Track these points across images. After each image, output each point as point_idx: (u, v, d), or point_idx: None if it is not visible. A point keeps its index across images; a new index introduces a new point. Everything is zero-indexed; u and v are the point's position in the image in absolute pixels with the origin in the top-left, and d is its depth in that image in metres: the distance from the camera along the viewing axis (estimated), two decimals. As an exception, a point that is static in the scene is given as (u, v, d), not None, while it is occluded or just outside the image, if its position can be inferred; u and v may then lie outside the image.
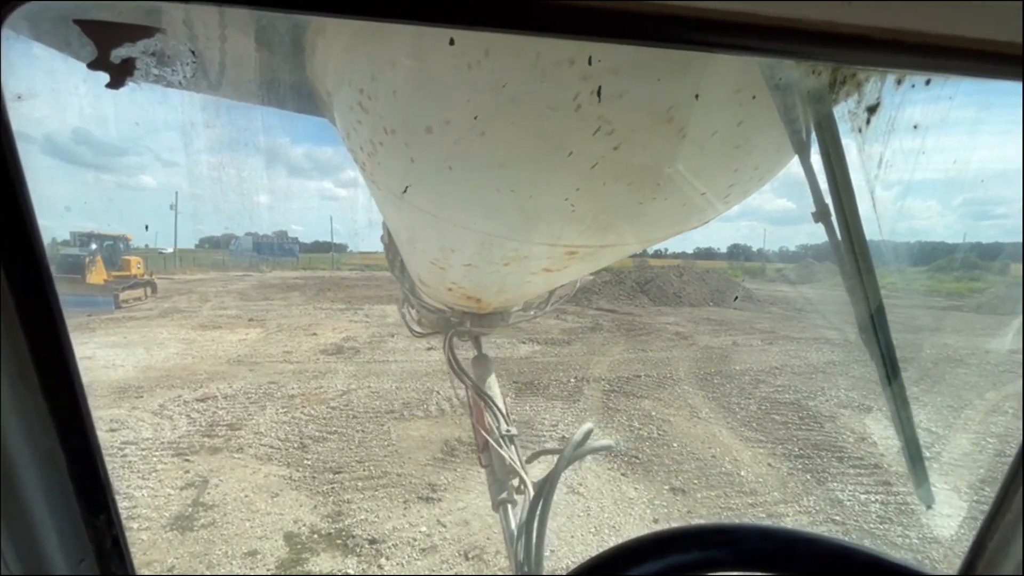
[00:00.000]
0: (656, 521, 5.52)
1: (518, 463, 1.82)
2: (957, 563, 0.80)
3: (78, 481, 0.68)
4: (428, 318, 2.17)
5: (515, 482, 1.83)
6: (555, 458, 1.80)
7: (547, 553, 5.09)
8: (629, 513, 5.60)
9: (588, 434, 1.81)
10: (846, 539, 0.61)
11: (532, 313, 2.24)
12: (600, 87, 0.77)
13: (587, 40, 0.61)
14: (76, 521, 0.69)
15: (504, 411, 1.94)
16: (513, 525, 1.78)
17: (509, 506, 1.81)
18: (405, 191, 1.08)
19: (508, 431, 1.90)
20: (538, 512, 1.67)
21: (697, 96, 0.83)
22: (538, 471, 1.80)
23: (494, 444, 1.84)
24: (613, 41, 0.57)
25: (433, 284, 1.76)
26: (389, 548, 4.88)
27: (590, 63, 0.75)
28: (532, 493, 1.73)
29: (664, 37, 0.54)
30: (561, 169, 0.93)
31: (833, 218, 0.75)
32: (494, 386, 2.00)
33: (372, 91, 0.93)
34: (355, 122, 1.02)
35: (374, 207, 1.46)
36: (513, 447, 1.87)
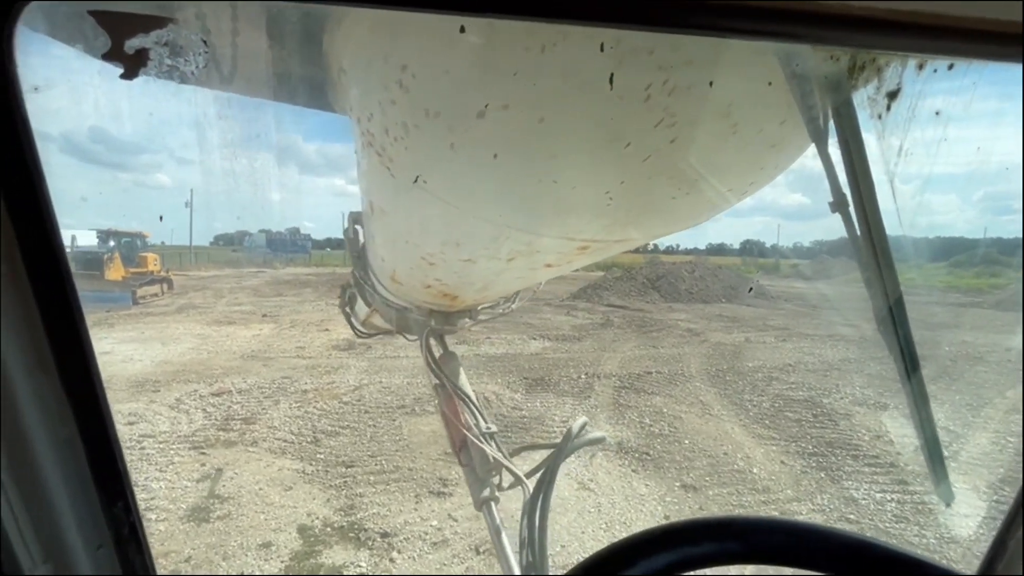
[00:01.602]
0: (667, 518, 5.50)
1: (507, 460, 1.81)
2: (975, 564, 0.79)
3: (96, 469, 0.69)
4: (388, 315, 2.10)
5: (496, 480, 1.82)
6: (532, 453, 1.80)
7: (558, 549, 5.07)
8: (640, 510, 5.58)
9: (583, 427, 1.81)
10: (861, 534, 0.60)
11: (500, 310, 2.21)
12: (614, 74, 0.75)
13: (595, 25, 0.60)
14: (94, 509, 0.70)
15: (480, 409, 1.92)
16: (498, 522, 1.78)
17: (493, 504, 1.80)
18: (425, 179, 1.02)
19: (488, 428, 1.88)
20: (539, 507, 1.67)
21: (754, 91, 0.82)
22: (522, 467, 1.79)
23: (474, 442, 1.82)
24: (617, 26, 0.56)
25: (409, 281, 1.71)
26: (401, 542, 4.92)
27: (609, 55, 0.73)
28: (530, 489, 1.72)
29: (676, 23, 0.53)
30: (613, 161, 0.91)
31: (851, 208, 0.74)
32: (466, 384, 1.99)
33: (418, 68, 0.85)
34: (387, 102, 0.93)
35: None
36: (495, 444, 1.85)
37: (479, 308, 2.07)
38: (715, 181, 0.97)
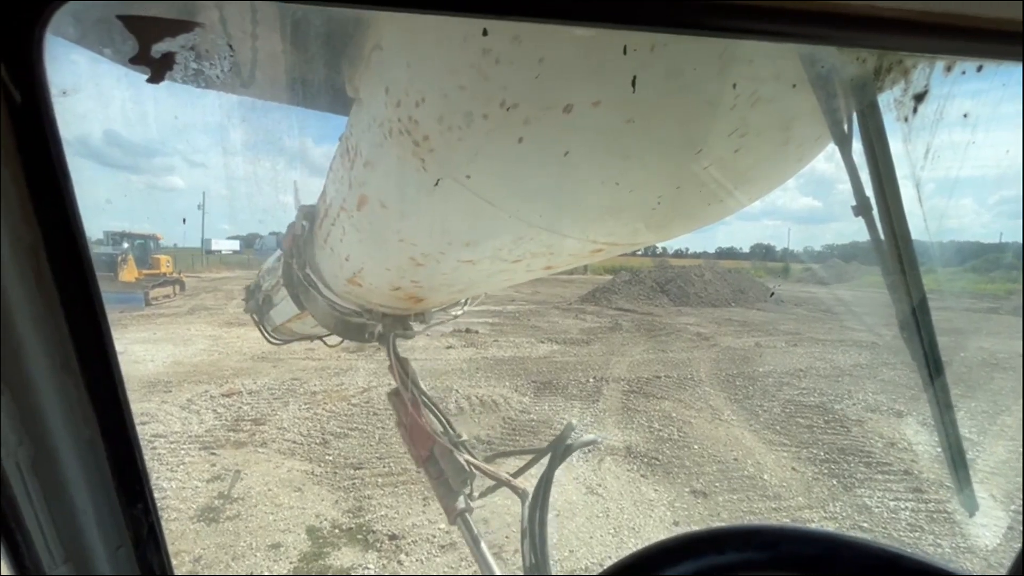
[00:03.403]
0: (676, 524, 5.44)
1: (491, 469, 1.76)
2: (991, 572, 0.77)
3: (117, 471, 0.70)
4: (327, 320, 1.94)
5: (467, 490, 1.79)
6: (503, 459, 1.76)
7: (566, 553, 5.02)
8: (649, 515, 5.54)
9: (572, 431, 1.78)
10: (892, 545, 0.59)
11: (453, 313, 2.14)
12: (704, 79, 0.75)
13: (619, 28, 0.59)
14: (115, 509, 0.70)
15: (447, 417, 1.86)
16: (476, 533, 1.75)
17: (468, 515, 1.77)
18: (469, 174, 0.94)
19: (459, 437, 1.82)
20: (539, 510, 1.65)
21: (810, 105, 0.80)
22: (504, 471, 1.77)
23: (445, 452, 1.75)
24: (644, 29, 0.56)
25: (375, 283, 1.59)
26: (409, 544, 4.92)
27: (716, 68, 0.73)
28: (521, 492, 1.69)
29: (703, 25, 0.53)
30: (679, 166, 0.89)
31: (874, 211, 0.73)
32: (426, 392, 1.92)
33: (505, 54, 0.77)
34: (453, 87, 0.85)
35: None
36: (469, 454, 1.79)
37: (432, 311, 2.00)
38: (745, 189, 0.97)
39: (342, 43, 1.04)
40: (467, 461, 1.77)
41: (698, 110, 0.81)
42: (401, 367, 1.90)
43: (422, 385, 1.94)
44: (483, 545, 1.72)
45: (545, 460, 1.75)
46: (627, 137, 0.84)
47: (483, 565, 1.71)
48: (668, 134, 0.84)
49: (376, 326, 1.88)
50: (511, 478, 1.73)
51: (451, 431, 1.84)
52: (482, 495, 1.80)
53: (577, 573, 4.54)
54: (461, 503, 1.77)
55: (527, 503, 1.67)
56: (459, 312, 2.16)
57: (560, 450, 1.72)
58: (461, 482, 1.77)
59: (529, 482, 1.74)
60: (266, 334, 2.48)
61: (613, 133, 0.83)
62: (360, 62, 1.03)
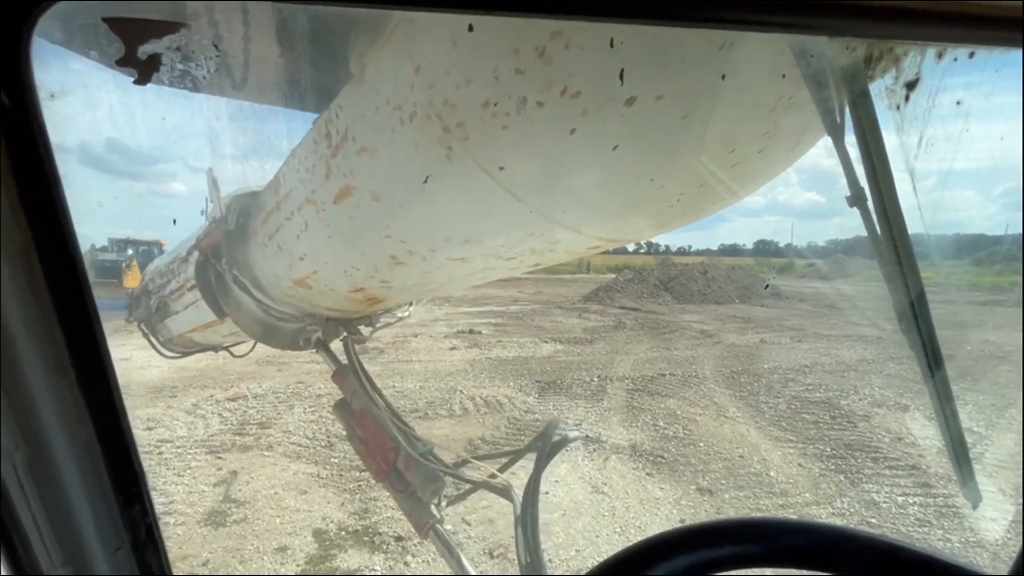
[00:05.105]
0: (683, 521, 5.43)
1: (463, 473, 1.70)
2: (1001, 568, 0.76)
3: (114, 472, 0.70)
4: (251, 326, 1.77)
5: (436, 500, 1.74)
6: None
7: (572, 552, 5.02)
8: (655, 513, 5.52)
9: (557, 428, 1.75)
10: (891, 536, 0.58)
11: (398, 316, 2.05)
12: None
13: (609, 21, 0.59)
14: (112, 511, 0.71)
15: (409, 426, 1.77)
16: (451, 542, 1.71)
17: (439, 526, 1.71)
18: (502, 166, 0.87)
19: (425, 447, 1.73)
20: (529, 512, 1.63)
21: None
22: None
23: (410, 464, 1.68)
24: (635, 21, 0.55)
25: (331, 284, 1.47)
26: (415, 546, 4.92)
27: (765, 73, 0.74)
28: (513, 489, 1.67)
29: (691, 17, 0.52)
30: (710, 164, 0.88)
31: (869, 202, 0.72)
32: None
33: (576, 39, 0.72)
34: (508, 70, 0.77)
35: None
36: (437, 461, 1.72)
37: (378, 314, 1.90)
38: (748, 188, 0.97)
39: (353, 15, 0.95)
40: (437, 468, 1.70)
41: (746, 110, 0.81)
42: (366, 375, 1.81)
43: (377, 392, 1.86)
44: (459, 553, 1.70)
45: (532, 459, 1.73)
46: (677, 133, 0.81)
47: (460, 571, 1.69)
48: (714, 132, 0.83)
49: (316, 331, 1.76)
50: (488, 478, 1.70)
51: (414, 438, 1.75)
52: (451, 503, 1.76)
53: (579, 573, 4.53)
54: (432, 514, 1.71)
55: (517, 501, 1.65)
56: (404, 314, 2.06)
57: (546, 449, 1.69)
58: (432, 492, 1.70)
59: (520, 480, 1.72)
60: (157, 346, 2.19)
61: (666, 128, 0.81)
62: (379, 36, 0.92)
